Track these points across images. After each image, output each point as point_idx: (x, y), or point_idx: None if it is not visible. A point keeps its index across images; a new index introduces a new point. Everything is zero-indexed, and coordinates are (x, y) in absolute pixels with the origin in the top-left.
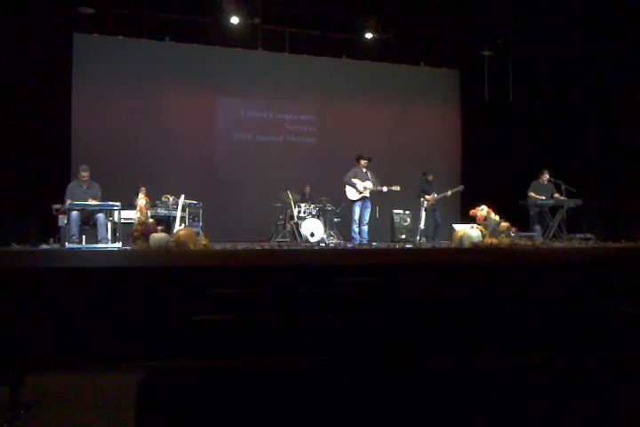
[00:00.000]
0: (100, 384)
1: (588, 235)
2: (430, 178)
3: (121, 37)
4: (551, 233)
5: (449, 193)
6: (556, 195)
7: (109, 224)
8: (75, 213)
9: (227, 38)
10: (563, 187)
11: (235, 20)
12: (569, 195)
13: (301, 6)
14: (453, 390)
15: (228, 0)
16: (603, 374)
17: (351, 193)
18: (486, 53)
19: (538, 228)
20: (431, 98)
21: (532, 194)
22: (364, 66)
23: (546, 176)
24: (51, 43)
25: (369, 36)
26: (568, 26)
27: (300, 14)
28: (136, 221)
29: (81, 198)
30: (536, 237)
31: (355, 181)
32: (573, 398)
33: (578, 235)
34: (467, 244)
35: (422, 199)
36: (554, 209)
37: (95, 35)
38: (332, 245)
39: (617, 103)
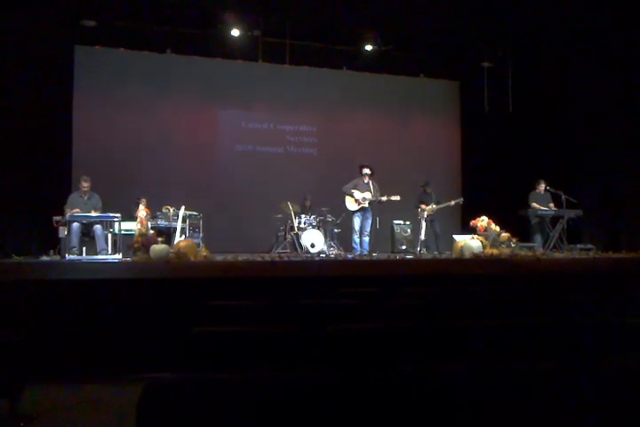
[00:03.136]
0: (100, 396)
1: (589, 245)
2: (429, 190)
3: (122, 50)
4: (552, 243)
5: (452, 203)
6: (551, 204)
7: (110, 236)
8: (75, 225)
9: (227, 50)
10: (563, 197)
11: (235, 32)
12: (569, 205)
13: (301, 18)
14: (455, 399)
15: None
16: (603, 385)
17: (350, 204)
18: (486, 65)
19: (538, 238)
20: (431, 109)
21: (535, 204)
22: (365, 77)
23: (542, 186)
24: (52, 55)
25: (369, 47)
26: (567, 37)
27: (300, 26)
28: (136, 233)
29: (82, 209)
30: (536, 248)
31: (354, 191)
32: (574, 408)
33: (578, 245)
34: (467, 254)
35: (420, 210)
36: (554, 219)
37: (97, 47)
38: (332, 256)
39: (616, 114)
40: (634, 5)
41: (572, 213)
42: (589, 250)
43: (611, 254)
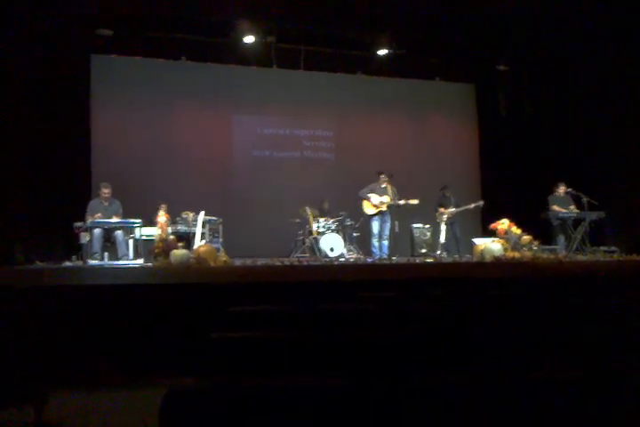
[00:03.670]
0: (122, 402)
1: (613, 247)
2: (448, 194)
3: (138, 58)
4: (574, 246)
5: (472, 206)
6: (572, 207)
7: (131, 241)
8: (97, 231)
9: (242, 57)
10: (584, 199)
11: (249, 38)
12: (591, 207)
13: (315, 24)
14: (477, 407)
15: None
16: (629, 392)
17: (368, 208)
18: (501, 67)
19: (561, 240)
20: (447, 112)
21: (556, 207)
22: (379, 81)
23: (561, 189)
24: (69, 64)
25: (383, 52)
26: (583, 39)
27: (313, 32)
28: (157, 238)
29: (103, 215)
30: (559, 250)
31: (370, 195)
32: (598, 418)
33: (601, 247)
34: (488, 258)
35: (438, 213)
36: (576, 222)
37: (113, 55)
38: (351, 260)
39: (636, 114)
40: None
41: (593, 215)
42: (613, 252)
43: (635, 257)
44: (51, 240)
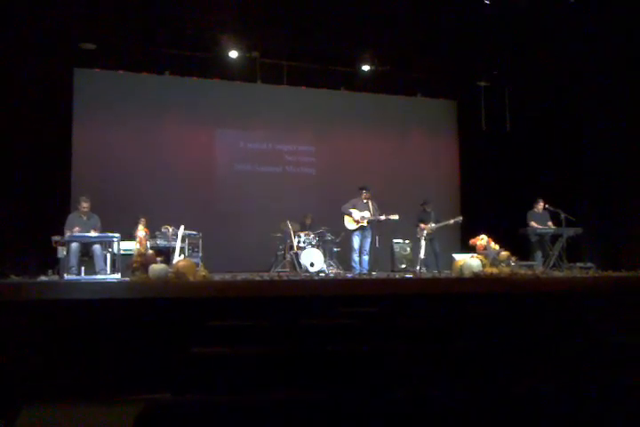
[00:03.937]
0: (97, 418)
1: (589, 264)
2: (429, 209)
3: (121, 72)
4: (551, 262)
5: (451, 222)
6: (549, 223)
7: (109, 255)
8: (74, 245)
9: (226, 72)
10: (562, 215)
11: (234, 53)
12: (568, 223)
13: (299, 40)
14: (456, 422)
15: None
16: (604, 406)
17: (349, 223)
18: (482, 84)
19: (538, 256)
20: (429, 128)
21: (534, 223)
22: (362, 97)
23: (540, 204)
24: (52, 78)
25: (366, 68)
26: (563, 55)
27: (297, 48)
28: (135, 253)
29: (81, 229)
30: (536, 266)
31: (352, 210)
32: None
33: (578, 263)
34: (467, 273)
35: (419, 229)
36: (553, 238)
37: (96, 70)
38: (331, 275)
39: (615, 132)
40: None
41: (571, 232)
42: (589, 268)
43: (610, 273)
44: (26, 254)
